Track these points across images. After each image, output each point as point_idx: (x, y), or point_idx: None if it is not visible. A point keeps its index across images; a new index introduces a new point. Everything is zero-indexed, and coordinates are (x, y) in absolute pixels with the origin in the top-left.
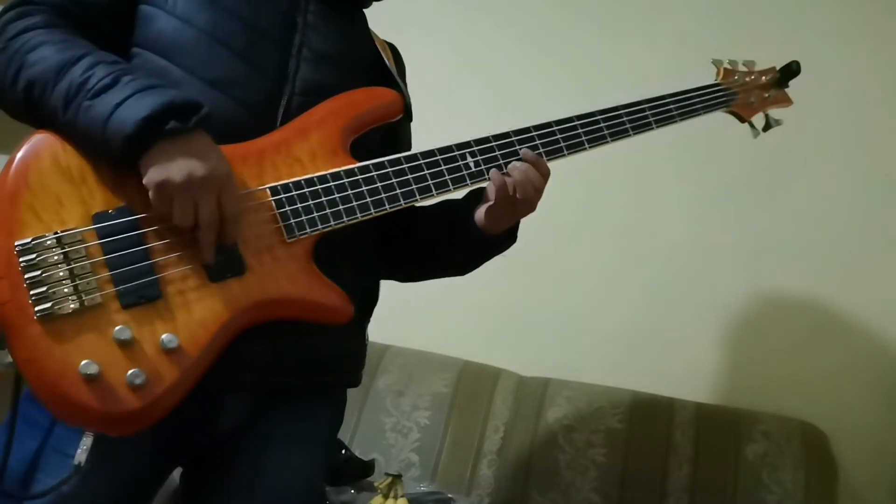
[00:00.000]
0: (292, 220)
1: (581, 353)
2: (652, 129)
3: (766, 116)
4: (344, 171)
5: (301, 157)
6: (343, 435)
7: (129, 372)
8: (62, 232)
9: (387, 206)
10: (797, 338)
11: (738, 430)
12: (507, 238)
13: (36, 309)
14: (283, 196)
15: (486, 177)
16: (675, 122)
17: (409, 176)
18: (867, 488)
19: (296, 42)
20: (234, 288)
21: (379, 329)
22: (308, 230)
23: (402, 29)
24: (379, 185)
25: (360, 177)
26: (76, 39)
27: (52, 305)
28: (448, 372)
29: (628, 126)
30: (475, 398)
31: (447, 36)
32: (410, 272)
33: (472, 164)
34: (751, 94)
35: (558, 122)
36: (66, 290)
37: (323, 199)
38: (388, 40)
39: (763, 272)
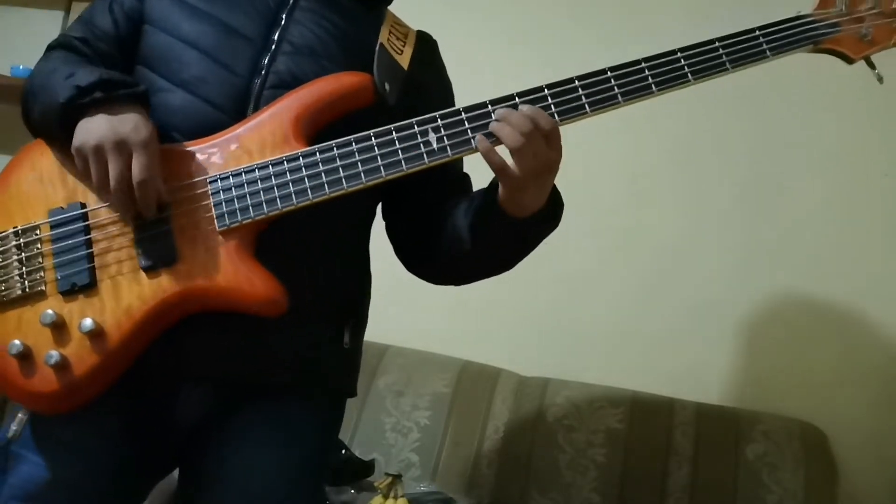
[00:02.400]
0: (224, 209)
1: (581, 353)
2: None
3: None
4: (287, 157)
5: (251, 147)
6: (343, 435)
7: (46, 353)
8: (21, 227)
9: (327, 191)
10: (797, 338)
11: (738, 430)
12: (542, 220)
13: None
14: (220, 186)
15: (449, 154)
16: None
17: (357, 158)
18: (867, 488)
19: (275, 38)
20: (164, 277)
21: (379, 329)
22: (239, 218)
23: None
24: (321, 169)
25: (302, 162)
26: (75, 58)
27: (1, 290)
28: (448, 372)
29: (618, 93)
30: (475, 398)
31: (450, 39)
32: (448, 272)
33: (433, 141)
34: (863, 23)
35: (550, 86)
36: (15, 276)
37: (259, 186)
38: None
39: (763, 272)
